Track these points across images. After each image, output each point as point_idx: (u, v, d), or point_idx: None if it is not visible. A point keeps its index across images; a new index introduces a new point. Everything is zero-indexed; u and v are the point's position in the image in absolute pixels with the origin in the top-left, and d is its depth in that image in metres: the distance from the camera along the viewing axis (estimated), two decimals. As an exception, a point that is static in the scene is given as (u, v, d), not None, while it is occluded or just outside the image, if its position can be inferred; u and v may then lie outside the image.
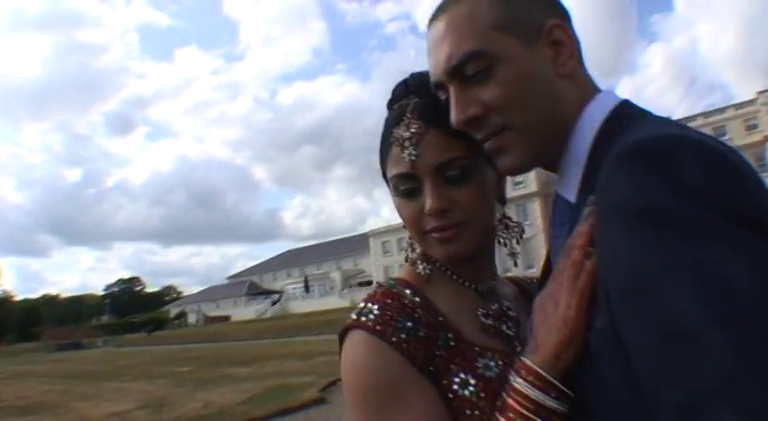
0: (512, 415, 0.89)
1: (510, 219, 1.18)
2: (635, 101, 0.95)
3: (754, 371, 0.59)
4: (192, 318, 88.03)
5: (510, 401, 0.90)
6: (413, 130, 1.05)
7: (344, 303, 63.14)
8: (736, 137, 52.12)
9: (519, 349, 1.03)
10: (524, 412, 0.87)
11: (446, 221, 1.05)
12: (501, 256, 1.21)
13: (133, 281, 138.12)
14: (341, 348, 1.06)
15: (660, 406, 0.67)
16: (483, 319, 1.09)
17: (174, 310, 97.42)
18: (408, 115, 1.06)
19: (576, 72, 0.97)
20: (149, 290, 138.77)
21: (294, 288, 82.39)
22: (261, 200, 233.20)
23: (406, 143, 1.05)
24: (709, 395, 0.62)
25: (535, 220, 56.94)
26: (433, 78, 1.00)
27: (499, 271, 1.22)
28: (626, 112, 0.91)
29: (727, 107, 57.90)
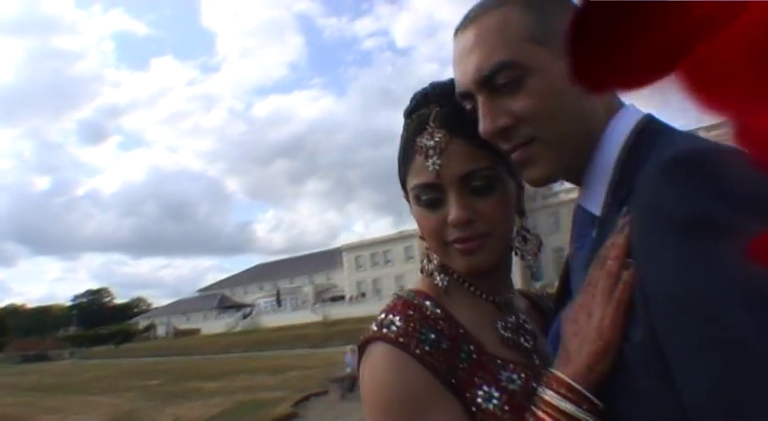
0: None
1: (528, 230, 1.16)
2: None
3: None
4: (161, 331, 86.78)
5: (540, 414, 0.89)
6: (437, 139, 1.03)
7: (316, 318, 62.67)
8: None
9: (537, 362, 1.05)
10: None
11: (470, 232, 1.04)
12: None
13: (102, 292, 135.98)
14: (360, 360, 1.04)
15: (705, 419, 0.67)
16: (502, 332, 1.07)
17: (143, 323, 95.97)
18: (432, 124, 1.05)
19: None
20: (118, 301, 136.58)
21: (265, 302, 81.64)
22: (233, 212, 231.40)
23: (431, 152, 1.03)
24: (757, 409, 0.62)
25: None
26: (460, 88, 0.99)
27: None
28: (653, 127, 0.91)
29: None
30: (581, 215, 0.99)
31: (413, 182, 1.07)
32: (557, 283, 1.15)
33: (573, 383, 0.86)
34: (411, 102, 1.13)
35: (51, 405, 17.40)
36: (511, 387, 0.99)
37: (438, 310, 1.05)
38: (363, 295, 69.57)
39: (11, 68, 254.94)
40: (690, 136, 0.87)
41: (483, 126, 0.95)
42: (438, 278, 1.10)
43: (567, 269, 1.04)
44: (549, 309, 1.20)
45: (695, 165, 0.73)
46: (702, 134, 0.87)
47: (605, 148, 0.92)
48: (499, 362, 1.02)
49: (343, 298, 71.78)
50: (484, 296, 1.12)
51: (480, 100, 0.95)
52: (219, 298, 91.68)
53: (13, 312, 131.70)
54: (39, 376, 33.30)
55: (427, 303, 1.06)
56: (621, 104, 0.96)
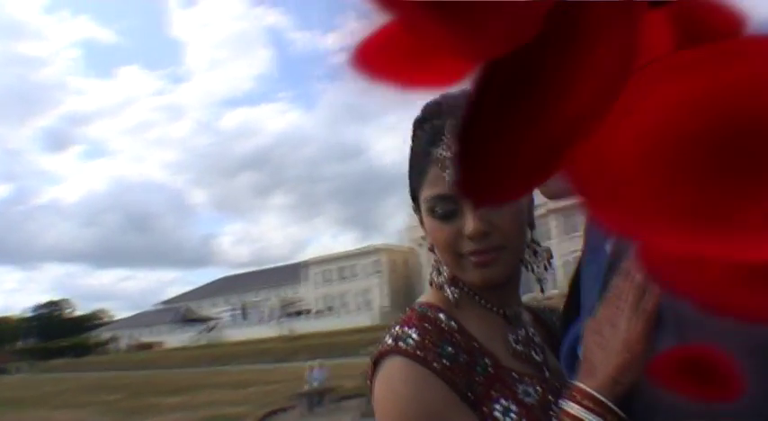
0: None
1: (538, 243, 1.16)
2: None
3: None
4: (122, 344, 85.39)
5: None
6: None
7: (281, 332, 62.22)
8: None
9: (548, 375, 1.05)
10: None
11: (485, 245, 1.04)
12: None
13: (61, 303, 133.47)
14: (372, 375, 1.03)
15: None
16: (514, 345, 1.08)
17: (103, 335, 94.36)
18: (448, 135, 1.04)
19: None
20: (78, 313, 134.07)
21: (229, 315, 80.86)
22: (198, 224, 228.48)
23: (449, 163, 1.02)
24: None
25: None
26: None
27: None
28: None
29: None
30: (593, 227, 0.99)
31: (427, 193, 1.07)
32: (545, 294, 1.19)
33: (598, 396, 0.86)
34: (422, 111, 1.13)
35: (8, 420, 17.01)
36: (528, 400, 0.99)
37: (453, 323, 1.05)
38: (329, 309, 69.29)
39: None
40: None
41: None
42: (448, 291, 1.10)
43: (576, 282, 1.03)
44: (551, 322, 1.23)
45: None
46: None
47: None
48: (515, 375, 1.02)
49: (308, 312, 71.34)
50: (494, 309, 1.12)
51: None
52: (183, 311, 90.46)
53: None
54: (-6, 390, 32.48)
55: (441, 316, 1.06)
56: None
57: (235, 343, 61.87)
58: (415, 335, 1.01)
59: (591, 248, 0.98)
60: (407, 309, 1.11)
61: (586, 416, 0.86)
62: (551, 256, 1.19)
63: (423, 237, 1.19)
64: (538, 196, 1.06)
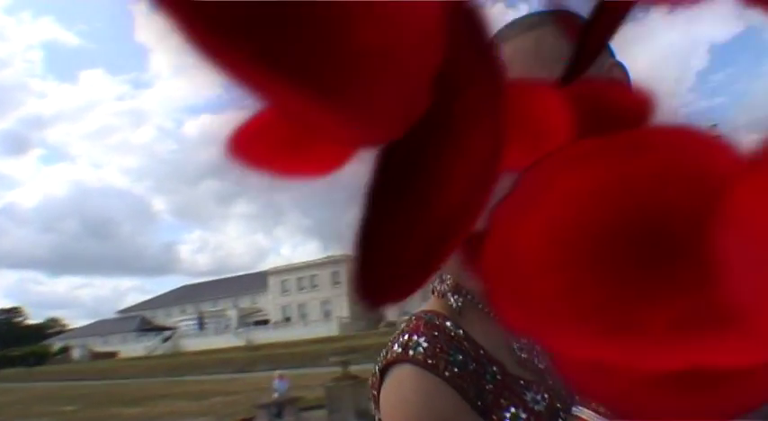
0: None
1: None
2: None
3: None
4: (77, 353, 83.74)
5: None
6: None
7: (240, 342, 61.86)
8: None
9: (551, 382, 1.08)
10: None
11: None
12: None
13: (14, 311, 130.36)
14: (380, 384, 1.01)
15: None
16: (518, 353, 1.06)
17: (58, 344, 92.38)
18: None
19: None
20: (31, 321, 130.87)
21: (188, 324, 79.88)
22: (158, 232, 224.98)
23: None
24: None
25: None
26: None
27: None
28: None
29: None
30: None
31: None
32: None
33: None
34: None
35: (-40, 431, 16.79)
36: (537, 408, 0.98)
37: (460, 331, 1.03)
38: (288, 319, 69.05)
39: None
40: None
41: None
42: (452, 299, 1.08)
43: None
44: None
45: None
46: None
47: None
48: (522, 382, 1.01)
49: (267, 322, 70.97)
50: (497, 317, 1.26)
51: None
52: (140, 320, 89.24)
53: None
54: (-56, 400, 31.74)
55: (448, 324, 1.04)
56: None
57: (194, 353, 61.31)
58: (424, 343, 0.99)
59: None
60: (411, 317, 1.10)
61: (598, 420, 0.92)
62: None
63: None
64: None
